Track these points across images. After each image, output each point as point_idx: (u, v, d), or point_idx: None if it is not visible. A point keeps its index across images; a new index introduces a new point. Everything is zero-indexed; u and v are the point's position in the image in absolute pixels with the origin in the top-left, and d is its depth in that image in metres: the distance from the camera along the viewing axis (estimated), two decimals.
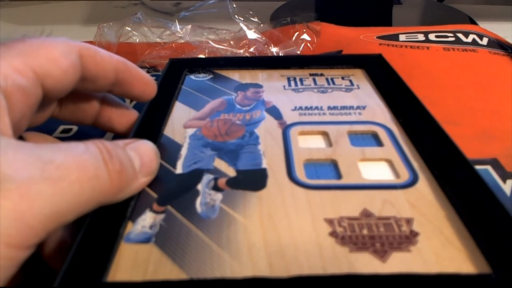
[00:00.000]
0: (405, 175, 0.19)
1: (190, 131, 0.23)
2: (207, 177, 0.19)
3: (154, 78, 0.24)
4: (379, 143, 0.22)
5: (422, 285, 0.14)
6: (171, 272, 0.15)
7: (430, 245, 0.15)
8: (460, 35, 0.41)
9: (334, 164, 0.20)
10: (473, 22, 0.46)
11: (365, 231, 0.16)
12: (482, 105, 0.31)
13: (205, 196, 0.18)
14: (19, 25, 0.51)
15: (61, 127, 0.30)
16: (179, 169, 0.20)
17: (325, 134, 0.23)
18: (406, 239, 0.16)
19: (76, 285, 0.14)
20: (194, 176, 0.19)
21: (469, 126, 0.30)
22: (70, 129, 0.30)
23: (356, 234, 0.16)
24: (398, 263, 0.15)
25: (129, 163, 0.16)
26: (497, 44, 0.39)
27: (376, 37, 0.42)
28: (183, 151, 0.21)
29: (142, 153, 0.17)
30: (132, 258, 0.15)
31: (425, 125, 0.22)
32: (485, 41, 0.40)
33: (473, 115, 0.31)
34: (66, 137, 0.29)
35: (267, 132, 0.23)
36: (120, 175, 0.15)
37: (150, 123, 0.23)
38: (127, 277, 0.14)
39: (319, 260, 0.15)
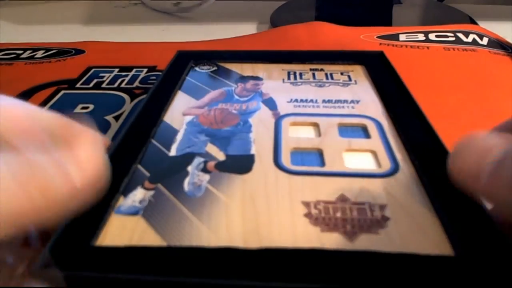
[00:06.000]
0: (386, 165, 0.20)
1: (188, 118, 0.24)
2: (197, 160, 0.20)
3: (154, 78, 0.25)
4: (367, 135, 0.22)
5: (383, 263, 0.15)
6: (154, 241, 0.16)
7: (399, 229, 0.16)
8: (460, 35, 0.41)
9: (320, 153, 0.21)
10: (473, 22, 0.46)
11: (338, 214, 0.17)
12: (482, 105, 0.32)
13: (194, 177, 0.19)
14: (19, 25, 0.52)
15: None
16: (172, 152, 0.21)
17: (315, 125, 0.23)
18: (377, 223, 0.17)
19: (66, 247, 0.15)
20: (186, 158, 0.21)
21: (469, 126, 0.30)
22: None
23: (329, 216, 0.17)
24: (364, 244, 0.16)
25: (61, 178, 0.13)
26: (497, 44, 0.39)
27: (376, 37, 0.42)
28: (179, 136, 0.22)
29: (85, 166, 0.15)
30: (120, 228, 0.16)
31: (415, 121, 0.23)
32: (485, 41, 0.40)
33: (473, 115, 0.31)
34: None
35: (260, 122, 0.24)
36: (46, 192, 0.13)
37: (152, 109, 0.24)
38: (113, 243, 0.16)
39: (290, 237, 0.16)
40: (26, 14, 0.55)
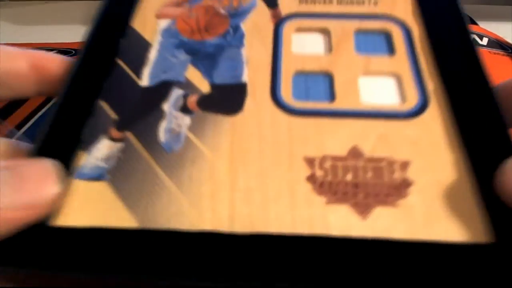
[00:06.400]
0: (412, 99, 0.16)
1: (164, 23, 0.19)
2: (176, 93, 0.16)
3: None
4: (390, 48, 0.18)
5: (400, 255, 0.12)
6: (123, 218, 0.13)
7: (423, 201, 0.13)
8: None
9: (330, 78, 0.17)
10: (473, 22, 0.44)
11: (349, 177, 0.14)
12: None
13: (171, 120, 0.15)
14: (19, 25, 0.49)
15: None
16: (145, 80, 0.17)
17: (326, 32, 0.18)
18: (396, 190, 0.13)
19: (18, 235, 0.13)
20: (162, 90, 0.16)
21: None
22: None
23: (338, 180, 0.14)
24: (379, 222, 0.13)
25: None
26: (497, 44, 0.39)
27: None
28: (152, 54, 0.18)
29: (26, 176, 0.12)
30: (82, 199, 0.14)
31: (455, 36, 0.17)
32: (485, 41, 0.39)
33: None
34: None
35: (255, 29, 0.18)
36: None
37: (116, 12, 0.19)
38: (74, 221, 0.13)
39: (289, 212, 0.13)
40: (26, 14, 0.52)
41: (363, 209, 0.13)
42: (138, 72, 0.17)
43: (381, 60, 0.17)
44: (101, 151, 0.15)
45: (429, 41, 0.17)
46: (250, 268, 0.12)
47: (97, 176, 0.14)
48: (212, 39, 0.18)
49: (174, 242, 0.12)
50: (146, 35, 0.18)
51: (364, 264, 0.12)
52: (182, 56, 0.18)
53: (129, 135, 0.15)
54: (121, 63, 0.17)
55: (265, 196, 0.13)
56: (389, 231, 0.12)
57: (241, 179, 0.14)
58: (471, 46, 0.17)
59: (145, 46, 0.18)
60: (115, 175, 0.14)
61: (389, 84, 0.17)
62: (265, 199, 0.13)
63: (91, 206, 0.13)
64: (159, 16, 0.19)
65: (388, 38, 0.18)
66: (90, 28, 0.18)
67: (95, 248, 0.12)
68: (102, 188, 0.14)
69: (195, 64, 0.17)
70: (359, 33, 0.18)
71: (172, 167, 0.14)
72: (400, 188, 0.13)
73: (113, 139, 0.15)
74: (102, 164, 0.14)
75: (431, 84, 0.16)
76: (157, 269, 0.12)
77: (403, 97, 0.16)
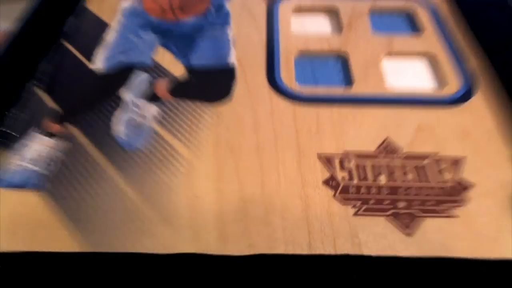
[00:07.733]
0: (454, 82, 0.12)
1: (126, 3, 0.15)
2: (139, 78, 0.12)
3: None
4: (415, 27, 0.14)
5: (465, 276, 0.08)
6: (62, 241, 0.09)
7: (489, 207, 0.09)
8: None
9: (343, 60, 0.13)
10: None
11: (383, 179, 0.10)
12: None
13: (132, 110, 0.11)
14: None
15: None
16: (98, 63, 0.13)
17: (333, 13, 0.15)
18: (450, 195, 0.09)
19: None
20: (119, 74, 0.12)
21: None
22: None
23: (368, 183, 0.10)
24: (431, 242, 0.09)
25: None
26: None
27: None
28: (110, 35, 0.14)
29: None
30: (5, 215, 0.09)
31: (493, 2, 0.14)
32: None
33: None
34: None
35: (244, 8, 0.15)
36: None
37: None
38: None
39: (302, 231, 0.09)
40: None
41: (407, 222, 0.09)
42: (89, 54, 0.13)
43: (407, 40, 0.14)
44: (30, 150, 0.10)
45: (462, 15, 0.14)
46: None
47: (19, 183, 0.10)
48: (188, 19, 0.14)
49: (138, 269, 0.08)
50: (104, 16, 0.15)
51: None
52: (148, 35, 0.14)
53: (73, 129, 0.11)
54: (67, 45, 0.13)
55: (267, 210, 0.09)
56: (446, 249, 0.08)
57: (230, 186, 0.10)
58: None
59: (101, 26, 0.14)
60: (51, 181, 0.10)
61: (421, 67, 0.13)
62: (268, 214, 0.09)
63: (15, 223, 0.09)
64: None
65: (410, 17, 0.15)
66: (32, 4, 0.14)
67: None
68: (31, 199, 0.09)
69: (166, 44, 0.13)
70: (373, 14, 0.15)
71: (132, 170, 0.10)
72: (457, 192, 0.09)
73: (49, 134, 0.11)
74: (29, 166, 0.10)
75: (475, 62, 0.13)
76: None
77: (441, 80, 0.12)
